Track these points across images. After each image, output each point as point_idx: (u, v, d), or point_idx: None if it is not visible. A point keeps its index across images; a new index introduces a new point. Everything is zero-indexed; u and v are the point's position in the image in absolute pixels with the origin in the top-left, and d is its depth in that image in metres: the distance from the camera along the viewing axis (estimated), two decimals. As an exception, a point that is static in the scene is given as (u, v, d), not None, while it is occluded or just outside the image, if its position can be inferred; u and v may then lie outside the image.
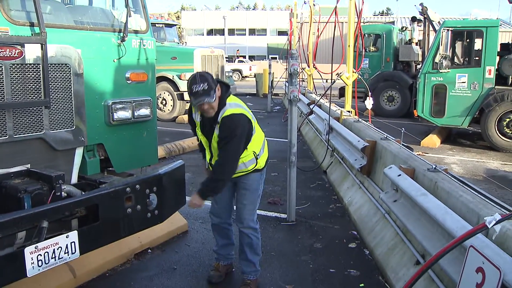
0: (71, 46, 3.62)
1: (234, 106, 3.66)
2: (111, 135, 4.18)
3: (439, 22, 14.76)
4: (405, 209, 4.19)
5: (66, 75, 3.58)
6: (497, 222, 1.77)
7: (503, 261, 2.50)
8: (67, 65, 3.57)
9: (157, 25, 15.31)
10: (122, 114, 4.18)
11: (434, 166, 4.31)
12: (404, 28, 18.51)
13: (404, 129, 6.10)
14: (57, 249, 3.02)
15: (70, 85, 3.61)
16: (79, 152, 3.87)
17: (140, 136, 4.50)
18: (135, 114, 4.31)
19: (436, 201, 3.64)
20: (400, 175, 4.44)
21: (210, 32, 67.51)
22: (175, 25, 17.08)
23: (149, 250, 4.80)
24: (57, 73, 3.51)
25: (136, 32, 4.39)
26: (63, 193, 3.31)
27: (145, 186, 3.62)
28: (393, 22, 31.30)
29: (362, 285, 4.18)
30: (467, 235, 1.97)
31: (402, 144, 5.55)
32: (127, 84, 4.27)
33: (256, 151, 3.86)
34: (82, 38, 3.85)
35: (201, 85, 3.40)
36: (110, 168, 4.36)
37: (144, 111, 4.41)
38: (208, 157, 3.92)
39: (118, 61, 4.15)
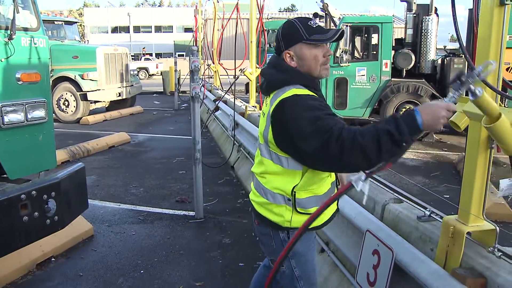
0: (-49, 46, 3.35)
1: None
2: (2, 139, 3.91)
3: (339, 18, 15.36)
4: (309, 199, 4.33)
5: None
6: (363, 180, 1.95)
7: (395, 242, 2.67)
8: None
9: (56, 22, 14.61)
10: (14, 117, 3.93)
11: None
12: (306, 24, 19.05)
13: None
14: None
15: (-49, 87, 3.34)
16: (-34, 159, 3.60)
17: (36, 140, 4.26)
18: (29, 116, 4.07)
19: (336, 189, 3.79)
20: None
21: (115, 30, 65.45)
22: (76, 22, 16.36)
23: (53, 259, 4.58)
24: None
25: (25, 29, 4.14)
26: None
27: (42, 192, 3.45)
28: (297, 18, 32.10)
29: (271, 276, 4.26)
30: (336, 196, 2.10)
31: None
32: (18, 85, 4.02)
33: None
34: (-36, 36, 3.58)
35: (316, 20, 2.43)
36: (4, 175, 4.10)
37: (39, 113, 4.18)
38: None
39: (6, 60, 3.89)
